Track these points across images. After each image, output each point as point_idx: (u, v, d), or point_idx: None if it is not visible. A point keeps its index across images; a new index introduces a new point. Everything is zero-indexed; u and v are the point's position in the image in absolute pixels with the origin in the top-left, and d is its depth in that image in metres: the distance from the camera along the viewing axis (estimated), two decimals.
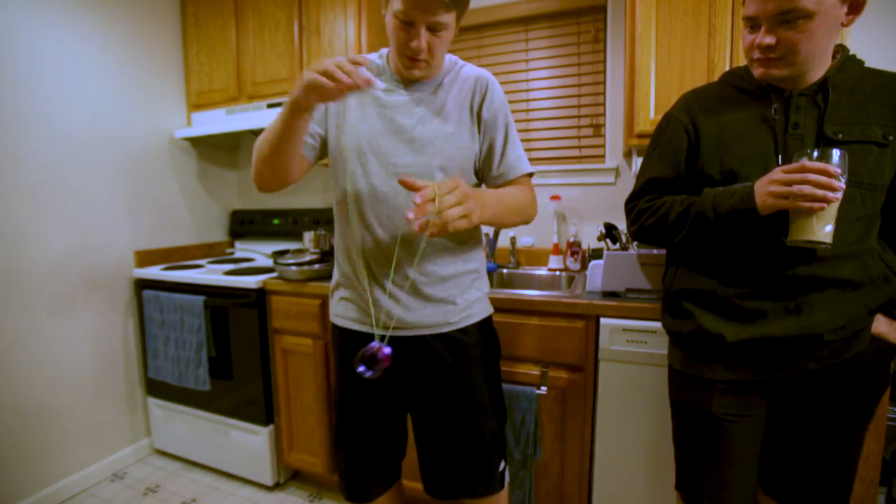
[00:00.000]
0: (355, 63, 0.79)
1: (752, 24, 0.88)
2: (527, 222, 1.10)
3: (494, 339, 1.16)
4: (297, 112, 0.86)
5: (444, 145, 1.00)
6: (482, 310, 1.12)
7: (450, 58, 1.07)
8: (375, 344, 0.93)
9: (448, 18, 0.90)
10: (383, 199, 1.00)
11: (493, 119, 1.04)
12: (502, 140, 1.06)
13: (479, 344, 1.09)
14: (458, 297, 1.06)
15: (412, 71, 0.97)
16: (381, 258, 1.01)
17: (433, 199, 0.76)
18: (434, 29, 0.91)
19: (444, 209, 0.77)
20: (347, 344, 1.10)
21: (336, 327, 1.13)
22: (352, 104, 1.02)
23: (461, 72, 1.06)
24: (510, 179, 1.07)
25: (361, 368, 0.91)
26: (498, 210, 0.95)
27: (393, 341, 1.05)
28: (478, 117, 1.04)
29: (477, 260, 1.12)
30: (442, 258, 1.04)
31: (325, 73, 0.77)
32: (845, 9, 0.84)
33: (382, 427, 1.11)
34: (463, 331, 1.07)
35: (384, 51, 1.07)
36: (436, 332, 1.05)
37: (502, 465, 1.14)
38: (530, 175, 1.10)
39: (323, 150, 1.09)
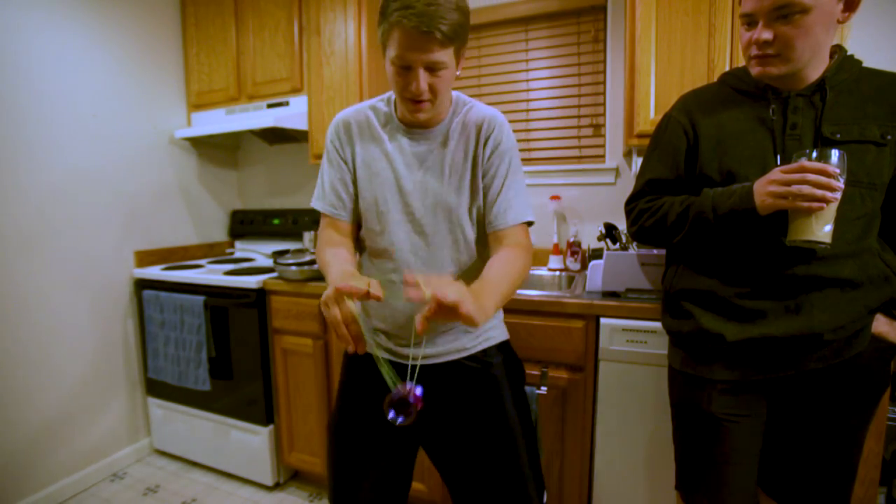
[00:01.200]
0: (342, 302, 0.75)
1: (749, 20, 0.88)
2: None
3: (516, 360, 1.11)
4: None
5: (445, 185, 0.99)
6: (500, 334, 1.08)
7: (459, 98, 1.02)
8: (408, 385, 0.83)
9: (445, 56, 0.86)
10: (399, 253, 0.99)
11: (494, 163, 0.98)
12: (500, 183, 0.97)
13: (501, 364, 1.05)
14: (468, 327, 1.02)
15: (417, 115, 0.93)
16: (400, 316, 1.00)
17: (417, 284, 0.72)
18: (433, 69, 0.87)
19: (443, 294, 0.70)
20: (356, 368, 1.07)
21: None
22: (362, 163, 1.02)
23: (469, 114, 0.99)
24: (505, 227, 0.97)
25: (392, 415, 0.81)
26: (500, 301, 0.85)
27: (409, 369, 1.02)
28: (477, 162, 0.99)
29: None
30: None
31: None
32: (841, 5, 0.85)
33: (385, 467, 1.05)
34: (484, 352, 1.04)
35: (391, 95, 1.03)
36: (454, 359, 1.02)
37: (545, 497, 1.07)
38: (529, 224, 1.00)
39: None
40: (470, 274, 1.00)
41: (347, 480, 1.05)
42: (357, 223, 1.06)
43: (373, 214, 1.00)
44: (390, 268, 1.00)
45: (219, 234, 2.58)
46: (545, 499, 1.06)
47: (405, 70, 0.87)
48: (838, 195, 0.80)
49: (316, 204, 1.06)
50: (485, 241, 1.04)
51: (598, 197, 1.97)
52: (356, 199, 1.04)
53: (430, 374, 1.01)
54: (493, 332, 1.06)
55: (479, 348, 1.03)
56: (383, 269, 1.02)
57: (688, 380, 1.03)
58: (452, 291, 0.70)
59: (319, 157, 2.07)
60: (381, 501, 1.06)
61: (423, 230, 0.99)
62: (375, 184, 1.00)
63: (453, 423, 1.03)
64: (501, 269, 0.90)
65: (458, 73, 0.94)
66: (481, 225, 1.02)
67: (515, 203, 0.97)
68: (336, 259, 0.94)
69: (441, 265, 1.00)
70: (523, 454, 1.02)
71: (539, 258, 2.05)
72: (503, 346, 1.08)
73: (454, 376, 1.02)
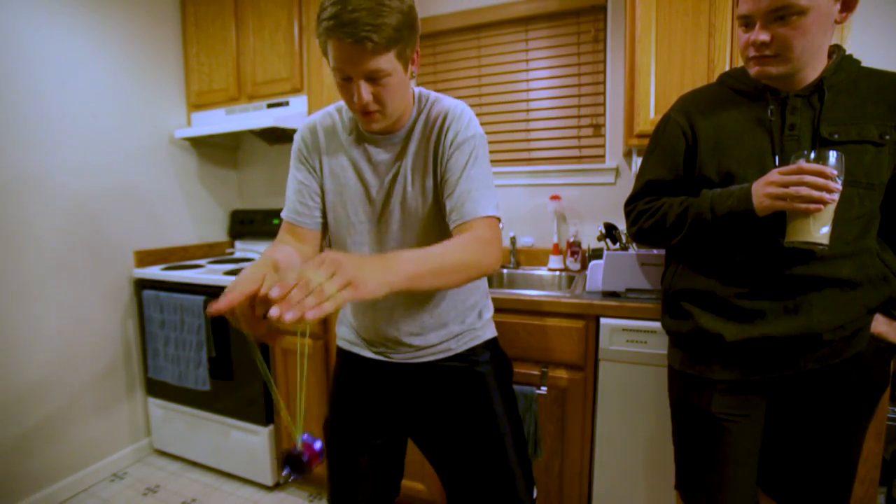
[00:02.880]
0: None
1: (747, 22, 0.88)
2: (481, 276, 0.85)
3: (504, 358, 1.11)
4: None
5: (412, 218, 0.96)
6: (487, 332, 1.08)
7: (422, 95, 0.96)
8: (306, 439, 0.79)
9: (385, 63, 0.78)
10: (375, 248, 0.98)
11: (452, 158, 0.90)
12: (457, 176, 0.89)
13: (489, 362, 1.05)
14: (460, 324, 1.03)
15: (370, 125, 0.88)
16: (378, 318, 1.00)
17: (301, 285, 0.58)
18: (373, 79, 0.80)
19: (316, 289, 0.58)
20: (348, 368, 1.09)
21: (339, 349, 1.12)
22: (329, 173, 0.99)
23: (432, 111, 0.94)
24: (465, 221, 0.87)
25: (286, 472, 0.79)
26: (421, 269, 0.71)
27: (397, 368, 1.03)
28: (438, 160, 0.93)
29: (476, 294, 1.06)
30: (437, 310, 1.00)
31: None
32: (838, 6, 0.84)
33: (376, 460, 1.06)
34: (471, 350, 1.04)
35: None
36: (441, 357, 1.02)
37: (535, 492, 1.07)
38: (493, 219, 0.89)
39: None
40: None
41: (344, 477, 1.06)
42: (323, 232, 1.03)
43: (342, 224, 0.98)
44: None
45: (219, 234, 2.58)
46: (535, 495, 1.06)
47: (346, 82, 0.82)
48: (836, 196, 0.80)
49: (283, 214, 1.01)
50: None
51: (598, 197, 1.97)
52: (323, 207, 1.01)
53: (416, 373, 1.02)
54: (481, 330, 1.06)
55: (466, 347, 1.03)
56: None
57: (687, 380, 1.03)
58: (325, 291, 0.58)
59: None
60: (377, 492, 1.07)
61: (393, 237, 0.96)
62: (345, 194, 0.97)
63: (441, 422, 1.04)
64: (444, 244, 0.79)
65: (413, 71, 0.88)
66: None
67: (476, 195, 0.87)
68: (266, 253, 0.84)
69: None
70: (511, 452, 1.02)
71: (539, 258, 2.05)
72: (490, 344, 1.07)
73: (441, 375, 1.03)
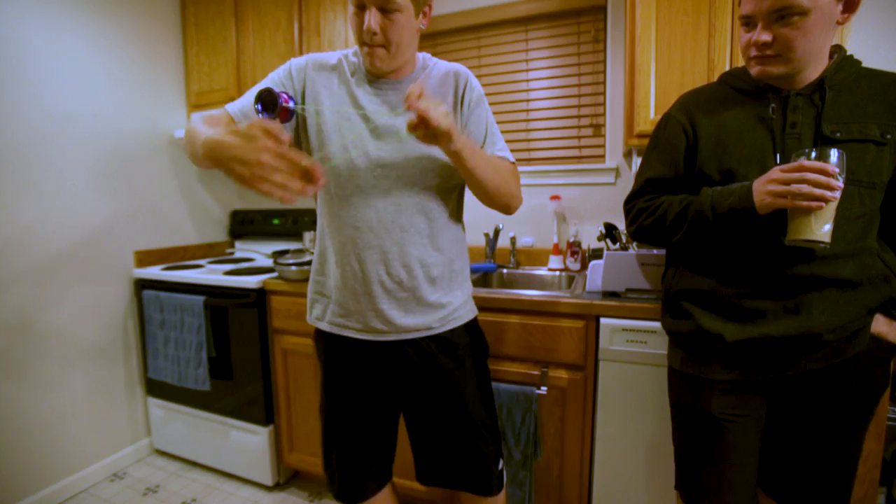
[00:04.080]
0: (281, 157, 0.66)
1: (748, 22, 0.88)
2: (510, 202, 1.04)
3: (482, 339, 1.16)
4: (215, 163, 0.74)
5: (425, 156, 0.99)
6: (468, 312, 1.12)
7: (423, 56, 1.05)
8: (284, 95, 0.89)
9: None
10: (367, 190, 0.98)
11: (473, 114, 1.03)
12: (483, 134, 1.04)
13: (468, 345, 1.10)
14: (446, 299, 1.06)
15: (373, 61, 0.93)
16: (372, 254, 1.00)
17: (419, 95, 0.80)
18: (385, 10, 0.88)
19: (430, 108, 0.79)
20: (335, 350, 1.10)
21: (321, 332, 1.12)
22: (327, 106, 1.00)
23: (434, 68, 1.04)
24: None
25: (259, 107, 0.87)
26: (476, 153, 0.92)
27: (383, 346, 1.05)
28: (459, 114, 1.03)
29: (461, 260, 1.11)
30: (426, 248, 1.02)
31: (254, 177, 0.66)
32: (840, 6, 0.84)
33: (372, 429, 1.11)
34: (451, 332, 1.07)
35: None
36: (425, 336, 1.05)
37: (500, 464, 1.15)
38: (514, 164, 1.08)
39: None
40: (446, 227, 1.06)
41: (343, 455, 1.11)
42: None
43: (341, 159, 0.98)
44: (353, 215, 0.99)
45: (219, 234, 2.58)
46: (501, 466, 1.15)
47: (359, 10, 0.89)
48: (838, 194, 0.80)
49: (228, 106, 0.98)
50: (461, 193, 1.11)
51: (598, 197, 1.97)
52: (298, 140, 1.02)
53: (397, 351, 1.05)
54: (461, 310, 1.09)
55: (447, 328, 1.06)
56: (349, 215, 1.00)
57: (687, 380, 1.03)
58: (439, 114, 0.79)
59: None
60: (372, 451, 1.11)
61: (396, 174, 0.98)
62: (345, 128, 0.98)
63: (420, 398, 1.09)
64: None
65: (422, 25, 0.96)
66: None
67: (501, 146, 1.06)
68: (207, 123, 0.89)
69: (411, 210, 1.00)
70: (486, 434, 1.10)
71: (539, 258, 2.05)
72: (470, 326, 1.11)
73: (424, 353, 1.05)
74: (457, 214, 1.11)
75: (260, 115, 0.87)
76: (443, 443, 1.10)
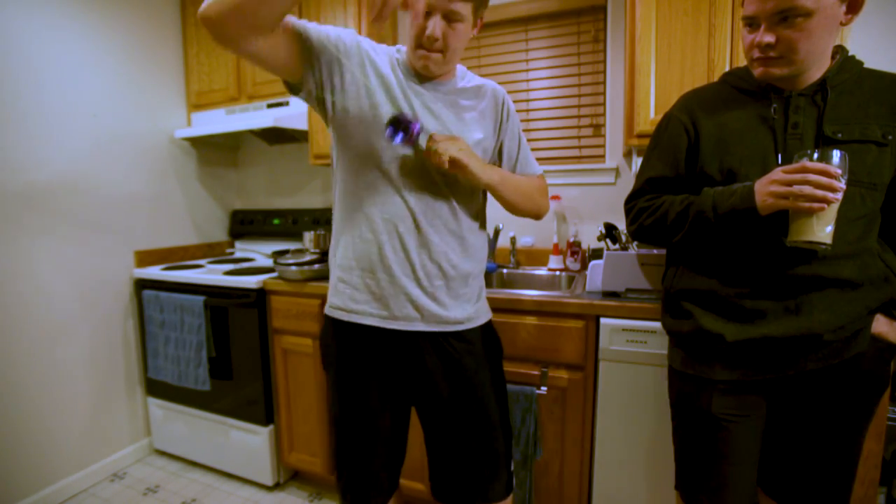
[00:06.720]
0: None
1: (752, 23, 0.88)
2: (538, 213, 1.18)
3: (497, 341, 1.16)
4: None
5: (467, 136, 1.03)
6: (486, 313, 1.14)
7: (460, 67, 1.10)
8: (409, 114, 0.94)
9: (464, 9, 0.92)
10: (422, 177, 1.01)
11: (509, 131, 1.13)
12: (516, 149, 1.15)
13: (485, 346, 1.10)
14: (474, 295, 1.09)
15: (427, 64, 0.97)
16: (413, 239, 1.00)
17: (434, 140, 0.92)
18: (450, 18, 0.93)
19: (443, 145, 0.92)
20: (350, 343, 1.06)
21: (336, 322, 1.06)
22: (374, 82, 0.98)
23: (472, 81, 1.10)
24: (528, 175, 1.17)
25: (389, 131, 0.91)
26: (503, 178, 1.05)
27: (405, 338, 1.03)
28: (499, 129, 1.11)
29: (482, 261, 1.14)
30: (464, 243, 1.06)
31: None
32: (844, 8, 0.84)
33: (386, 438, 1.09)
34: (473, 330, 1.08)
35: (402, 47, 1.05)
36: (452, 330, 1.05)
37: (512, 466, 1.14)
38: (542, 177, 1.21)
39: (306, 57, 0.95)
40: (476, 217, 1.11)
41: (357, 454, 1.09)
42: (298, 60, 0.95)
43: (374, 132, 0.97)
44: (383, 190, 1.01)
45: (219, 234, 2.58)
46: (512, 469, 1.15)
47: (426, 15, 0.93)
48: (840, 196, 0.80)
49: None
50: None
51: (598, 197, 1.97)
52: (332, 88, 0.98)
53: (418, 345, 1.04)
54: (482, 310, 1.12)
55: (463, 328, 1.06)
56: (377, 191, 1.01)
57: (688, 380, 1.03)
58: (456, 150, 0.93)
59: (319, 157, 2.07)
60: (384, 457, 1.10)
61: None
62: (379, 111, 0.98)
63: (437, 395, 1.07)
64: (517, 175, 1.14)
65: (473, 33, 1.01)
66: None
67: (531, 157, 1.20)
68: None
69: (452, 204, 1.04)
70: (501, 436, 1.10)
71: (539, 258, 2.05)
72: (486, 328, 1.13)
73: (437, 351, 1.05)
74: (483, 216, 1.16)
75: (391, 139, 0.93)
76: (460, 444, 1.07)
